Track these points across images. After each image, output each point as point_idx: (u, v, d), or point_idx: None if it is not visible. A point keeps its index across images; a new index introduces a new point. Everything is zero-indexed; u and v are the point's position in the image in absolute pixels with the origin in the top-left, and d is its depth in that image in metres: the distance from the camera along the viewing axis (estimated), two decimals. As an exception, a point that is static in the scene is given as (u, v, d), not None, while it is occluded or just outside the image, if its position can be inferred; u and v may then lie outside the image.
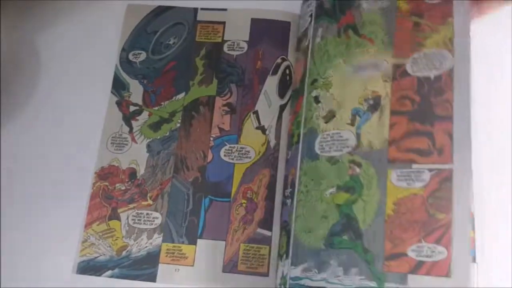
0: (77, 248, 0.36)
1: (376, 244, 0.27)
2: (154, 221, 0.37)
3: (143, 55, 0.41)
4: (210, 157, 0.38)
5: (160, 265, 0.35)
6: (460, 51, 0.28)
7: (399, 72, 0.30)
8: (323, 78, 0.33)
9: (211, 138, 0.38)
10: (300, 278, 0.29)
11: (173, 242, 0.36)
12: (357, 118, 0.30)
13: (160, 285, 0.35)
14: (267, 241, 0.35)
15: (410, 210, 0.27)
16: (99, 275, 0.36)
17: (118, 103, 0.40)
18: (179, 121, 0.39)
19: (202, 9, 0.42)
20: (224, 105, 0.39)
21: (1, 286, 0.36)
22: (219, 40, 0.41)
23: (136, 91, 0.40)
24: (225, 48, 0.41)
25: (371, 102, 0.30)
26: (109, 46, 0.42)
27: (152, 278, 0.35)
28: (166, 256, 0.36)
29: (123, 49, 0.41)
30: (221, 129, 0.38)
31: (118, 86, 0.40)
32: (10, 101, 0.41)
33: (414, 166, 0.27)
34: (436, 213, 0.26)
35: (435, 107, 0.28)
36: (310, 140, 0.32)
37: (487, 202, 0.36)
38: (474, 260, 0.35)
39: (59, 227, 0.37)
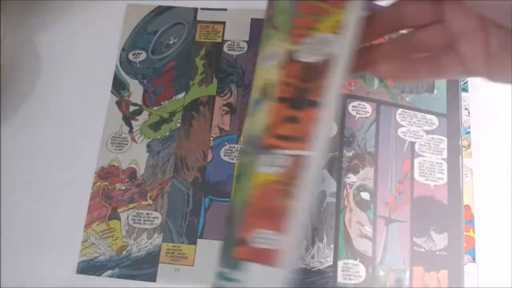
0: (77, 248, 0.36)
1: (232, 231, 0.27)
2: (154, 221, 0.37)
3: (143, 55, 0.41)
4: (210, 157, 0.38)
5: (160, 265, 0.35)
6: (345, 36, 0.27)
7: (289, 59, 0.28)
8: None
9: (211, 138, 0.38)
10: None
11: (173, 242, 0.36)
12: (255, 109, 0.30)
13: (160, 285, 0.35)
14: (267, 241, 0.35)
15: (263, 197, 0.26)
16: (99, 275, 0.36)
17: (118, 103, 0.40)
18: (179, 121, 0.39)
19: (202, 9, 0.42)
20: (224, 105, 0.39)
21: (1, 286, 0.36)
22: (219, 40, 0.41)
23: (136, 91, 0.40)
24: (225, 48, 0.41)
25: (263, 91, 0.29)
26: (109, 46, 0.42)
27: (152, 278, 0.35)
28: (166, 256, 0.36)
29: (123, 49, 0.41)
30: (221, 129, 0.38)
31: (118, 86, 0.41)
32: (10, 101, 0.41)
33: (278, 151, 0.27)
34: (283, 200, 0.26)
35: (309, 93, 0.27)
36: None
37: (487, 202, 0.36)
38: (474, 260, 0.35)
39: (59, 227, 0.37)
